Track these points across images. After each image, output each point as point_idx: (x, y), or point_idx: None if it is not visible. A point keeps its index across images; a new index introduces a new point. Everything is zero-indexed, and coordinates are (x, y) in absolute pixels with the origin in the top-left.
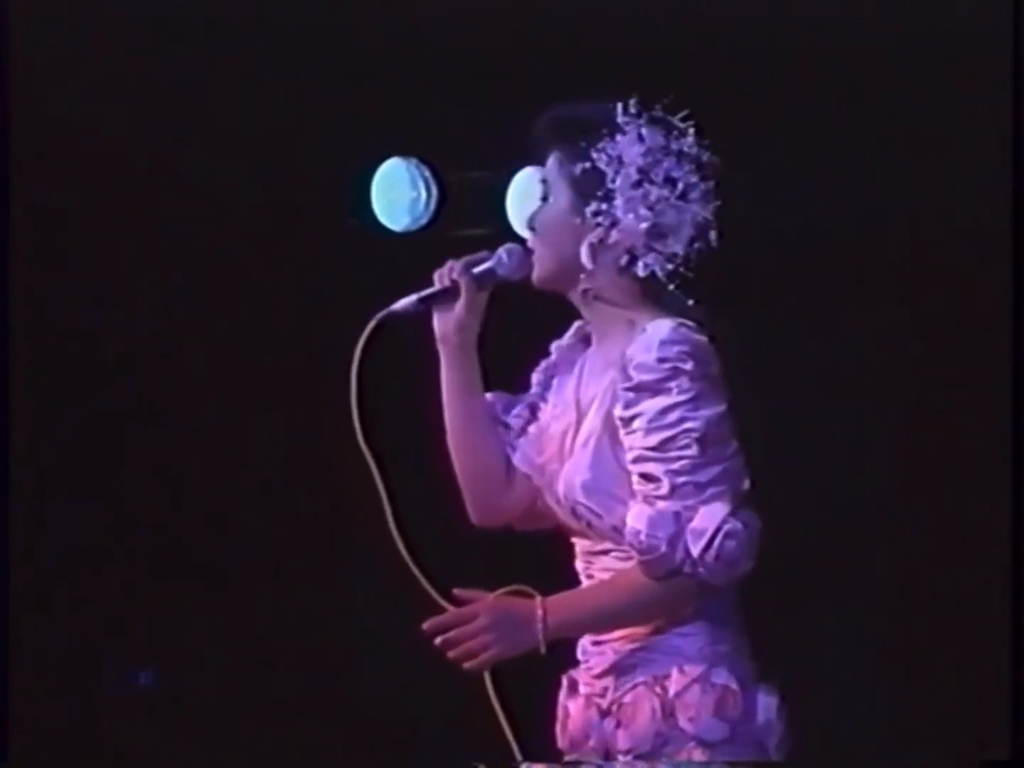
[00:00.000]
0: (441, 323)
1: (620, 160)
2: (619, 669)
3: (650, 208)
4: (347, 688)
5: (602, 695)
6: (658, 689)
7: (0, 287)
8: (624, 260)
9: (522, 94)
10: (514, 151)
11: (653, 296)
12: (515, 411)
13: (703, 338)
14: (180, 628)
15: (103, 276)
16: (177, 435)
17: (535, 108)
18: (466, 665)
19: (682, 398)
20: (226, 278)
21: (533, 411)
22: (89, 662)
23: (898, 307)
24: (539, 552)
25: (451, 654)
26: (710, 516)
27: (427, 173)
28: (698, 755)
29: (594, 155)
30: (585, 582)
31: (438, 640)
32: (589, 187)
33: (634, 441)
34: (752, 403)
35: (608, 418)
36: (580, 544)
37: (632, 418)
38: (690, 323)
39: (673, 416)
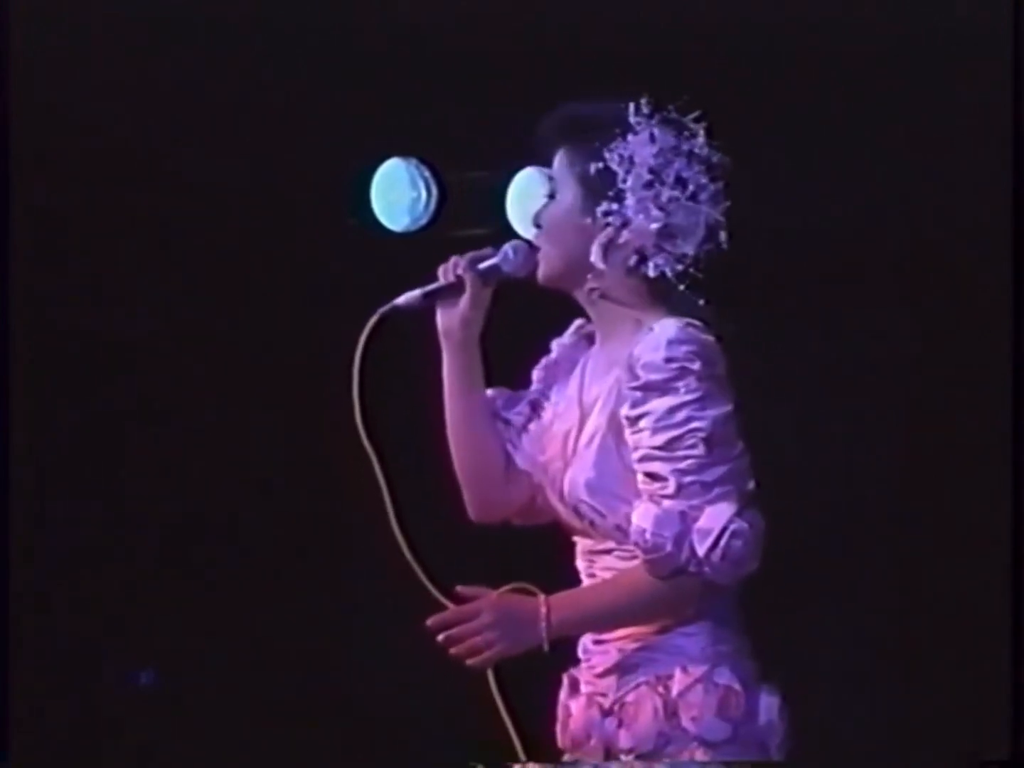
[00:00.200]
0: (445, 318)
1: (631, 160)
2: (621, 668)
3: (661, 209)
4: (347, 688)
5: (604, 694)
6: (661, 689)
7: (0, 287)
8: (633, 260)
9: (522, 94)
10: (514, 151)
11: (661, 296)
12: (516, 408)
13: (710, 338)
14: (180, 628)
15: (103, 276)
16: (177, 435)
17: (535, 108)
18: (469, 662)
19: (689, 398)
20: (226, 278)
21: (534, 408)
22: (89, 662)
23: (898, 307)
24: (539, 551)
25: (454, 651)
26: (716, 516)
27: (427, 173)
28: (700, 755)
29: (606, 155)
30: (586, 581)
31: (440, 637)
32: (599, 186)
33: (640, 440)
34: (752, 403)
35: (613, 417)
36: (582, 543)
37: (639, 417)
38: (697, 323)
39: (680, 416)
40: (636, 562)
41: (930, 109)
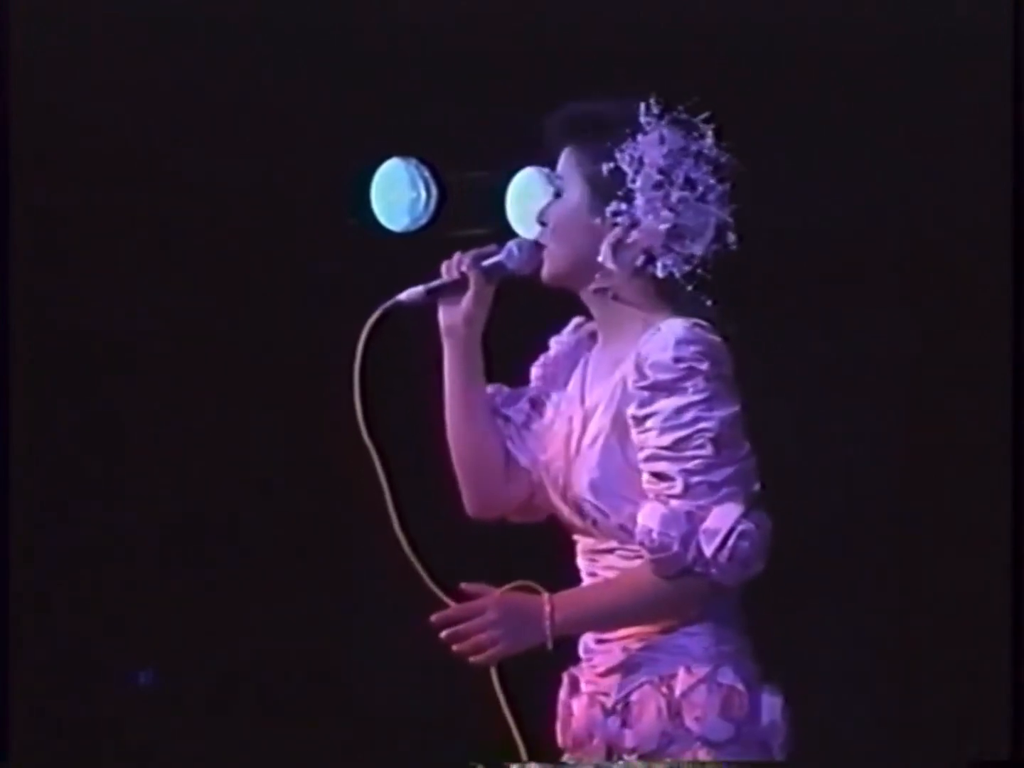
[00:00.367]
0: (447, 315)
1: (641, 161)
2: (624, 668)
3: (670, 209)
4: (347, 688)
5: (606, 694)
6: (664, 689)
7: (0, 287)
8: (641, 260)
9: (522, 94)
10: (514, 151)
11: (667, 296)
12: (516, 405)
13: (717, 338)
14: (180, 628)
15: (103, 276)
16: (177, 435)
17: (535, 108)
18: (473, 659)
19: (697, 398)
20: (226, 278)
21: (534, 406)
22: (89, 662)
23: (898, 307)
24: (540, 550)
25: (457, 648)
26: (723, 516)
27: (426, 173)
28: (703, 755)
29: (616, 155)
30: (587, 580)
31: (444, 633)
32: (608, 186)
33: (647, 440)
34: (752, 403)
35: (618, 417)
36: (583, 542)
37: (646, 417)
38: (704, 323)
39: (688, 416)
40: (639, 561)
41: (930, 109)
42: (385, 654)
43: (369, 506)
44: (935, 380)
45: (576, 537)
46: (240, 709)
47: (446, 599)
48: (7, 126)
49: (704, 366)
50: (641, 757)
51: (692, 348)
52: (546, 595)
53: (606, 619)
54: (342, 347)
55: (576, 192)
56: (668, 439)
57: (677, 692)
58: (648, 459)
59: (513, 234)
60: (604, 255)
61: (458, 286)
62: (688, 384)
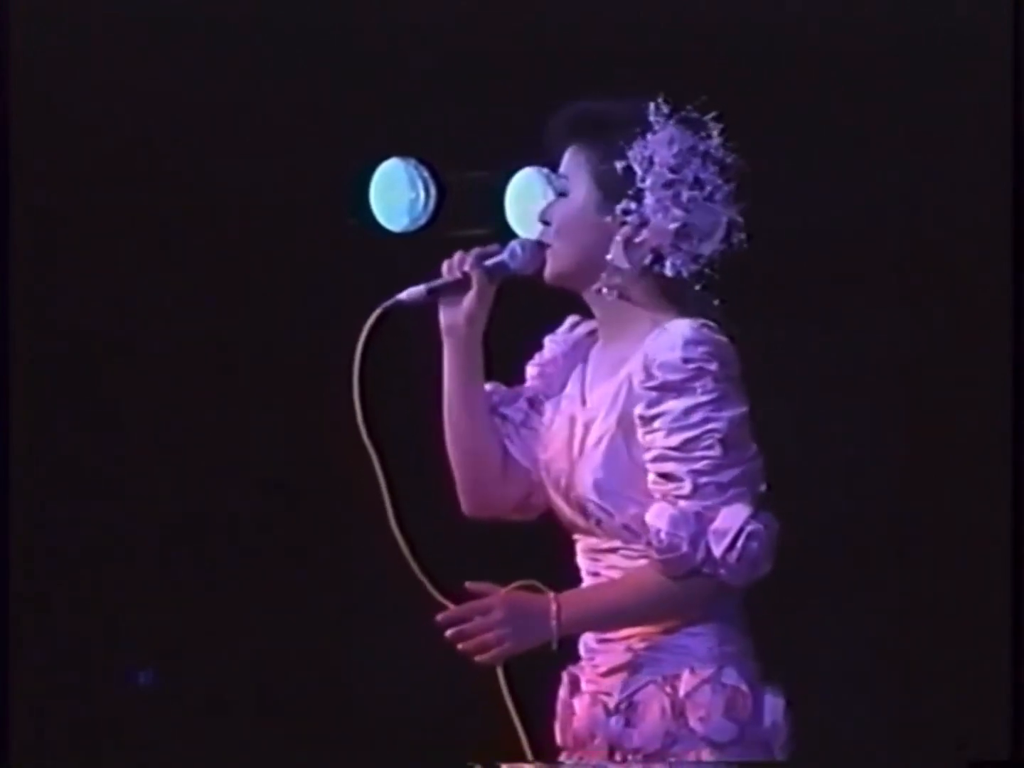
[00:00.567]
0: (448, 315)
1: (651, 159)
2: (627, 667)
3: (680, 208)
4: (347, 688)
5: (609, 693)
6: (668, 689)
7: (0, 287)
8: (648, 259)
9: (522, 94)
10: (513, 151)
11: (674, 296)
12: (514, 404)
13: (725, 339)
14: (180, 628)
15: (103, 276)
16: (177, 434)
17: (535, 108)
18: (478, 658)
19: (706, 398)
20: (226, 278)
21: (532, 405)
22: (89, 662)
23: (898, 307)
24: (540, 550)
25: (463, 647)
26: (732, 517)
27: (426, 173)
28: (706, 755)
29: (628, 153)
30: (589, 580)
31: (450, 632)
32: (617, 185)
33: (655, 440)
34: (752, 403)
35: (623, 417)
36: (585, 541)
37: (654, 417)
38: (711, 324)
39: (697, 416)
40: (642, 561)
41: (930, 109)
42: (385, 654)
43: (369, 506)
44: (935, 380)
45: (576, 537)
46: (240, 709)
47: (444, 600)
48: (7, 126)
49: (713, 366)
50: (644, 757)
51: (701, 348)
52: (552, 594)
53: (611, 618)
54: (342, 347)
55: (582, 191)
56: (677, 439)
57: (681, 692)
58: (655, 459)
59: (512, 234)
60: (614, 253)
61: (460, 286)
62: (697, 384)
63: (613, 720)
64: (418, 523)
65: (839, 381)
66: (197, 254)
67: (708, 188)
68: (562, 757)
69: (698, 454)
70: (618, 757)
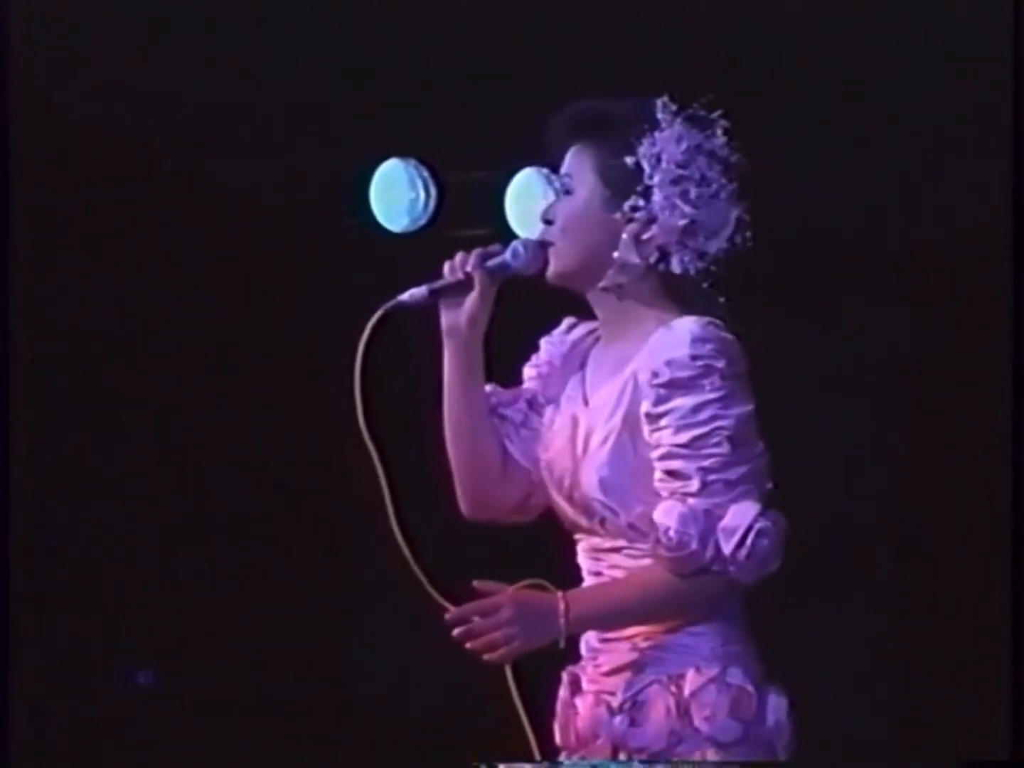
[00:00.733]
0: (450, 316)
1: (659, 157)
2: (630, 667)
3: (688, 205)
4: (347, 688)
5: (612, 693)
6: (673, 688)
7: (0, 287)
8: (654, 257)
9: (522, 94)
10: (513, 151)
11: (678, 294)
12: (514, 404)
13: (731, 336)
14: (180, 628)
15: (103, 276)
16: (177, 434)
17: (535, 108)
18: (487, 657)
19: (714, 396)
20: (226, 278)
21: (531, 406)
22: (89, 662)
23: (898, 307)
24: (540, 550)
25: (471, 645)
26: (741, 514)
27: (425, 174)
28: (711, 755)
29: (637, 150)
30: (591, 579)
31: (458, 631)
32: (624, 182)
33: (662, 438)
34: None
35: (629, 415)
36: (587, 541)
37: (662, 415)
38: (717, 321)
39: (705, 414)
40: (646, 561)
41: (930, 109)
42: (385, 654)
43: (369, 506)
44: (935, 380)
45: (578, 537)
46: (240, 709)
47: (444, 602)
48: (7, 126)
49: (721, 364)
50: (649, 757)
51: (709, 346)
52: (559, 593)
53: (618, 617)
54: (342, 347)
55: (587, 189)
56: (685, 437)
57: (686, 692)
58: (663, 457)
59: (512, 234)
60: (623, 249)
61: (461, 286)
62: (705, 382)
63: (617, 719)
64: (418, 523)
65: (839, 381)
66: (197, 254)
67: (714, 186)
68: (562, 757)
69: (706, 451)
70: (622, 756)
